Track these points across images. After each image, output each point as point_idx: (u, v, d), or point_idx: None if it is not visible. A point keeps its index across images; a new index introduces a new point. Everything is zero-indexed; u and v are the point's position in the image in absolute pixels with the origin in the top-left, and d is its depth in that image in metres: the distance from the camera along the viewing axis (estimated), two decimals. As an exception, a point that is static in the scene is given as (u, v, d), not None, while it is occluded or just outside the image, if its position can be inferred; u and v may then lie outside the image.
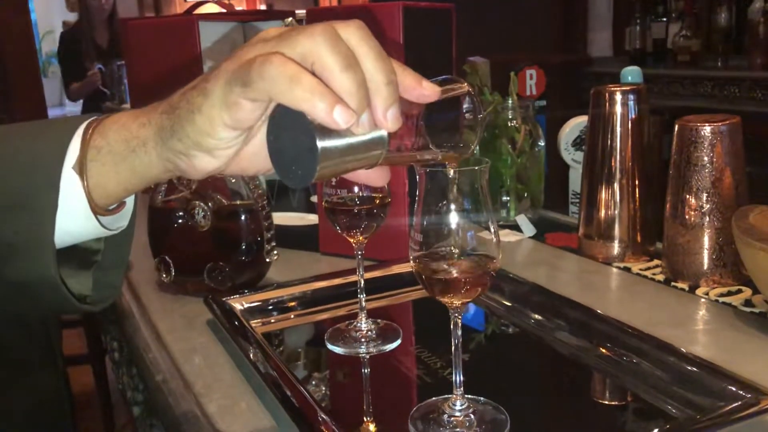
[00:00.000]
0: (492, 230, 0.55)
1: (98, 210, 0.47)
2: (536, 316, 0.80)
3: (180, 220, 0.90)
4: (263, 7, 5.88)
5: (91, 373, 2.46)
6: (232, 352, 0.73)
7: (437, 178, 0.55)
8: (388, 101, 0.41)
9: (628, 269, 0.95)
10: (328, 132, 0.40)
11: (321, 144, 0.40)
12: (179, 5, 5.88)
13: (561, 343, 0.75)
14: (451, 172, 0.53)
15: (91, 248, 0.52)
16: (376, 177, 0.48)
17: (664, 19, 3.22)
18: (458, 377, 0.59)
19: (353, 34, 0.41)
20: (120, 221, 0.50)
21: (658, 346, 0.68)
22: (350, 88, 0.40)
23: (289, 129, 0.42)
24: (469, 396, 0.60)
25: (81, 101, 3.76)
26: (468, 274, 0.54)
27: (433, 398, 0.61)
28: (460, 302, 0.56)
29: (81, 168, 0.45)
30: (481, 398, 0.61)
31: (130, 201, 0.50)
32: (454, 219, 0.54)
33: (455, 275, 0.55)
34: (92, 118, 0.47)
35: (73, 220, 0.46)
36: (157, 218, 0.91)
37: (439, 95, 0.45)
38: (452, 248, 0.55)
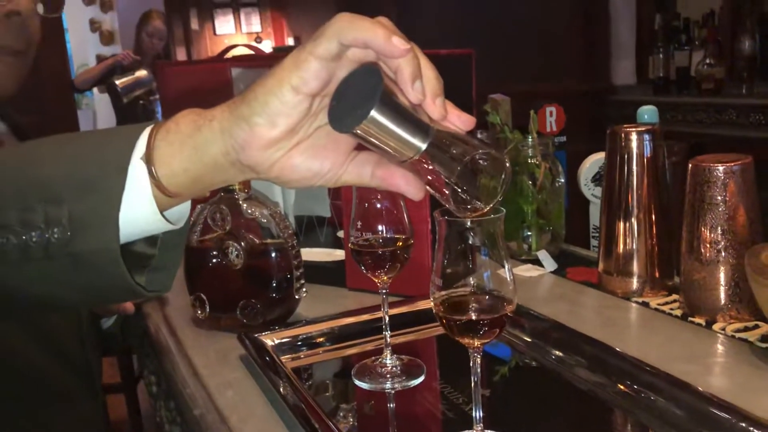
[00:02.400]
0: (507, 274, 0.59)
1: (161, 193, 0.50)
2: (556, 352, 0.83)
3: (214, 259, 0.94)
4: (291, 40, 6.01)
5: (124, 402, 2.51)
6: (264, 386, 0.77)
7: (456, 225, 0.58)
8: (437, 90, 0.47)
9: (646, 304, 0.97)
10: (389, 95, 0.45)
11: (382, 91, 0.44)
12: (209, 39, 6.04)
13: (579, 380, 0.77)
14: (468, 222, 0.57)
15: (146, 253, 0.57)
16: (414, 190, 0.52)
17: (687, 48, 3.24)
18: (478, 413, 0.62)
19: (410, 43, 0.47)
20: (178, 220, 0.55)
21: (674, 383, 0.70)
22: (410, 57, 0.45)
23: (354, 86, 0.46)
24: (489, 431, 0.63)
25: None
26: (485, 317, 0.58)
27: (456, 433, 0.65)
28: (478, 343, 0.59)
29: (148, 157, 0.49)
30: (501, 433, 0.64)
31: (186, 204, 0.55)
32: (471, 264, 0.58)
33: (473, 318, 0.58)
34: (161, 122, 0.52)
35: (138, 206, 0.50)
36: (193, 257, 0.96)
37: (473, 124, 0.50)
38: (470, 291, 0.59)
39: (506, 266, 0.59)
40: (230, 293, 0.94)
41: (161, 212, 0.51)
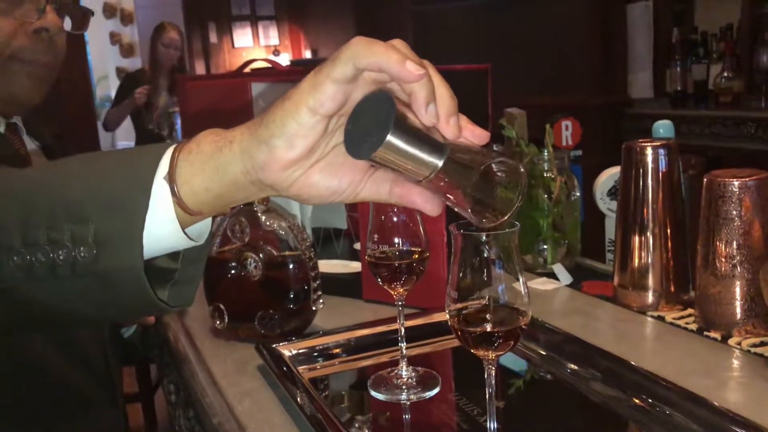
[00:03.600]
0: (522, 287, 0.60)
1: (183, 211, 0.52)
2: (570, 366, 0.83)
3: (233, 270, 0.96)
4: (308, 53, 6.07)
5: (141, 411, 2.53)
6: (281, 396, 0.78)
7: (471, 239, 0.60)
8: (451, 110, 0.48)
9: (661, 318, 0.97)
10: (402, 119, 0.47)
11: (395, 117, 0.46)
12: (228, 52, 6.10)
13: (594, 393, 0.78)
14: (484, 236, 0.58)
15: (169, 268, 0.59)
16: (431, 207, 0.53)
17: (705, 61, 3.23)
18: (492, 424, 0.62)
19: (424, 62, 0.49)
20: (199, 236, 0.57)
21: (689, 397, 0.70)
22: (424, 81, 0.47)
23: (368, 111, 0.48)
24: (504, 443, 0.64)
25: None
26: (500, 329, 0.59)
27: (470, 444, 0.65)
28: (493, 355, 0.60)
29: (171, 177, 0.51)
30: (515, 445, 0.65)
31: (208, 221, 0.57)
32: (486, 277, 0.59)
33: (488, 330, 0.59)
34: (183, 141, 0.54)
35: (161, 224, 0.52)
36: (212, 268, 0.98)
37: (488, 139, 0.51)
38: (485, 304, 0.60)
39: (521, 279, 0.60)
40: (248, 304, 0.95)
41: (183, 229, 0.53)
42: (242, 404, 0.77)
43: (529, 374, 0.86)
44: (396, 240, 0.78)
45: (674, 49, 3.36)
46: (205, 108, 1.33)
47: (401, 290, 0.79)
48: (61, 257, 0.51)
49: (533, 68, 3.65)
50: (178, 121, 3.34)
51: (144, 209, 0.51)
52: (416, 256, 0.78)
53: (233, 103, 1.23)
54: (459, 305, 0.60)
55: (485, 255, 0.59)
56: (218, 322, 0.97)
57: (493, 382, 0.62)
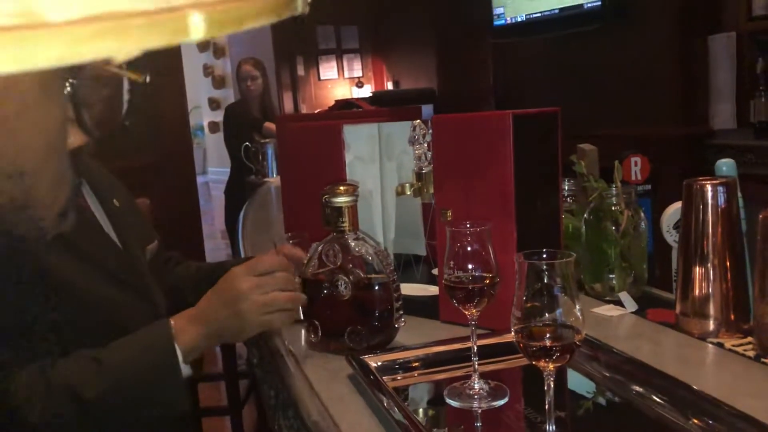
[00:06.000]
0: (577, 308, 0.70)
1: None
2: (630, 385, 0.91)
3: (326, 290, 1.09)
4: (390, 84, 6.27)
5: (229, 425, 2.69)
6: (369, 400, 0.90)
7: (534, 267, 0.70)
8: None
9: (721, 345, 1.04)
10: None
11: None
12: (314, 84, 6.39)
13: (649, 409, 0.86)
14: (544, 264, 0.68)
15: None
16: None
17: (790, 91, 3.19)
18: (551, 427, 0.72)
19: None
20: None
21: (740, 416, 0.77)
22: None
23: None
24: (561, 445, 0.73)
25: (228, 170, 4.21)
26: (557, 344, 0.69)
27: (532, 445, 0.75)
28: (551, 366, 0.70)
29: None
30: (571, 447, 0.74)
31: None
32: (546, 299, 0.70)
33: (546, 344, 0.69)
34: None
35: None
36: (308, 288, 1.11)
37: None
38: (545, 322, 0.70)
39: (576, 301, 0.70)
40: (339, 321, 1.08)
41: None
42: (335, 406, 0.90)
43: (590, 391, 0.95)
44: (470, 266, 0.89)
45: (759, 80, 3.34)
46: (300, 148, 1.48)
47: (474, 311, 0.90)
48: None
49: (611, 100, 3.68)
50: (269, 151, 3.56)
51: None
52: (487, 281, 0.89)
53: (327, 143, 1.38)
54: (522, 323, 0.71)
55: (545, 280, 0.70)
56: (312, 336, 1.10)
57: (552, 392, 0.72)
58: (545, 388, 0.72)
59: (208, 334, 1.01)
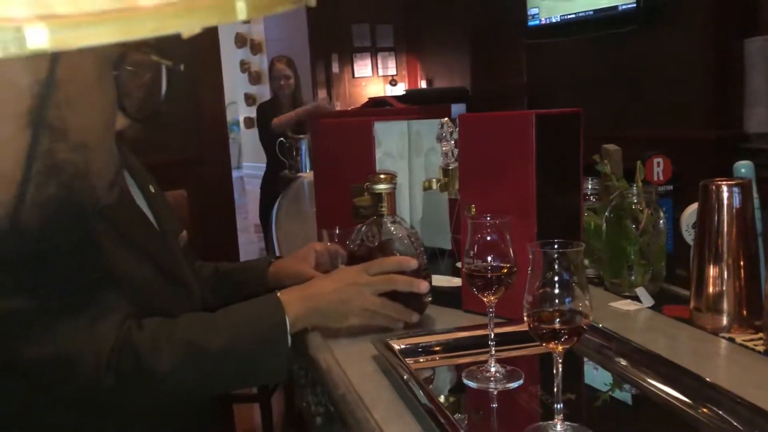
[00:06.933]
0: (585, 294, 0.76)
1: None
2: (634, 369, 0.96)
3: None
4: (423, 82, 6.32)
5: (259, 411, 2.78)
6: (391, 379, 0.97)
7: (546, 255, 0.76)
8: None
9: (732, 340, 1.08)
10: None
11: None
12: (348, 82, 6.47)
13: (655, 394, 0.91)
14: (555, 253, 0.74)
15: None
16: None
17: (827, 96, 3.17)
18: (559, 405, 0.78)
19: None
20: None
21: (741, 403, 0.82)
22: None
23: None
24: (569, 423, 0.79)
25: (263, 165, 4.32)
26: (565, 327, 0.75)
27: (539, 423, 0.81)
28: (560, 348, 0.76)
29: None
30: (577, 424, 0.80)
31: None
32: (557, 285, 0.75)
33: (556, 327, 0.75)
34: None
35: None
36: (351, 261, 1.23)
37: None
38: (555, 307, 0.76)
39: (585, 288, 0.75)
40: None
41: None
42: (361, 384, 0.96)
43: (607, 383, 1.00)
44: (489, 256, 0.95)
45: (793, 84, 3.31)
46: (333, 144, 1.56)
47: (492, 298, 0.96)
48: None
49: (644, 101, 3.69)
50: (303, 147, 3.66)
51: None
52: (504, 270, 0.94)
53: (358, 139, 1.44)
54: (534, 308, 0.77)
55: (556, 268, 0.75)
56: None
57: (560, 371, 0.78)
58: (554, 371, 0.78)
59: (314, 309, 1.07)
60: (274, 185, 3.85)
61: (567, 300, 0.75)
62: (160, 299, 1.10)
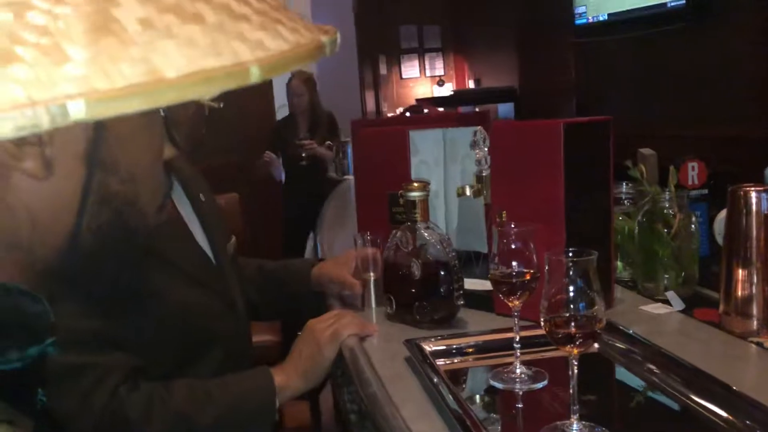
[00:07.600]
0: (599, 300, 0.79)
1: None
2: (654, 370, 0.99)
3: (400, 270, 1.26)
4: (471, 82, 6.33)
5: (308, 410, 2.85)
6: (421, 379, 1.02)
7: (561, 263, 0.80)
8: None
9: (760, 344, 1.09)
10: None
11: None
12: (396, 83, 6.52)
13: (677, 398, 0.94)
14: (570, 261, 0.78)
15: None
16: None
17: None
18: (575, 406, 0.82)
19: None
20: None
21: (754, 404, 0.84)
22: None
23: None
24: (585, 422, 0.82)
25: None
26: (579, 331, 0.79)
27: (556, 422, 0.85)
28: (575, 351, 0.80)
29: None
30: (593, 424, 0.83)
31: None
32: (572, 291, 0.79)
33: (571, 332, 0.79)
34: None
35: None
36: (387, 267, 1.30)
37: None
38: (571, 313, 0.80)
39: (598, 294, 0.79)
40: (410, 296, 1.24)
41: None
42: (392, 383, 1.02)
43: (640, 386, 1.03)
44: (513, 262, 0.99)
45: None
46: (372, 148, 1.61)
47: (516, 303, 1.00)
48: None
49: (694, 99, 3.63)
50: (349, 150, 3.73)
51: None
52: (528, 276, 0.98)
53: (395, 147, 1.50)
54: (551, 313, 0.81)
55: (571, 275, 0.79)
56: (388, 309, 1.28)
57: (576, 375, 0.82)
58: (569, 372, 0.82)
59: (296, 371, 1.19)
60: (318, 190, 3.87)
61: (581, 305, 0.79)
62: (201, 317, 1.20)
